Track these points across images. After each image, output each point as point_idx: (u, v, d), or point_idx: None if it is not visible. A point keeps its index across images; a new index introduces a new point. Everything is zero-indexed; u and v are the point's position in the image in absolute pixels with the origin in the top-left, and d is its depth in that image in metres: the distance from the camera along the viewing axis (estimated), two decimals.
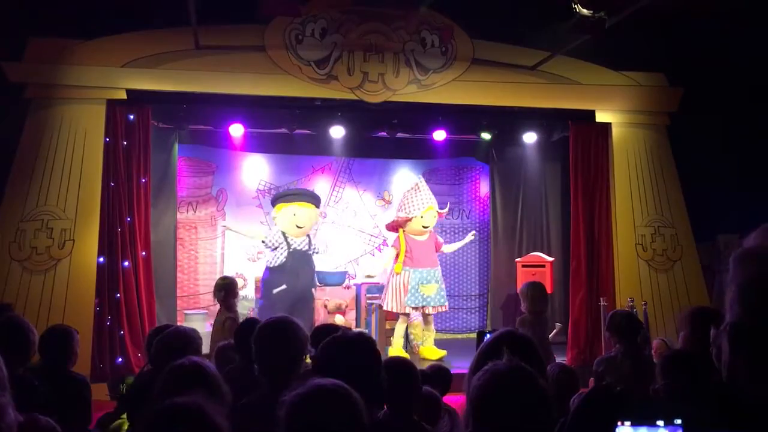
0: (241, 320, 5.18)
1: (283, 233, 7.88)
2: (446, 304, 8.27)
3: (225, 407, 2.24)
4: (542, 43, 7.79)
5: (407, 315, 8.09)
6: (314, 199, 8.20)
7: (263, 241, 7.93)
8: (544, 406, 1.64)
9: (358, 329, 7.58)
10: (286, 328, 2.81)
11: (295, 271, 7.74)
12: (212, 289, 6.39)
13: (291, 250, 7.80)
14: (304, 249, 7.90)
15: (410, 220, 8.08)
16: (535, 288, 5.43)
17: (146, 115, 7.66)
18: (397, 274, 8.10)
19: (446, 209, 8.48)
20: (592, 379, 4.21)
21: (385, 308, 8.14)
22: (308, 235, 8.05)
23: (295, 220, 7.90)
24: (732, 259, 1.72)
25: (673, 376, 2.80)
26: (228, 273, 8.65)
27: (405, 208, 8.16)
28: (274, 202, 8.18)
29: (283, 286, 7.64)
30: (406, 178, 10.14)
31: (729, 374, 1.59)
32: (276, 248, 7.82)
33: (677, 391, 2.67)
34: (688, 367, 2.80)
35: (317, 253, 8.17)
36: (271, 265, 7.79)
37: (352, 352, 2.34)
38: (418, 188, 8.26)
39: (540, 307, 5.37)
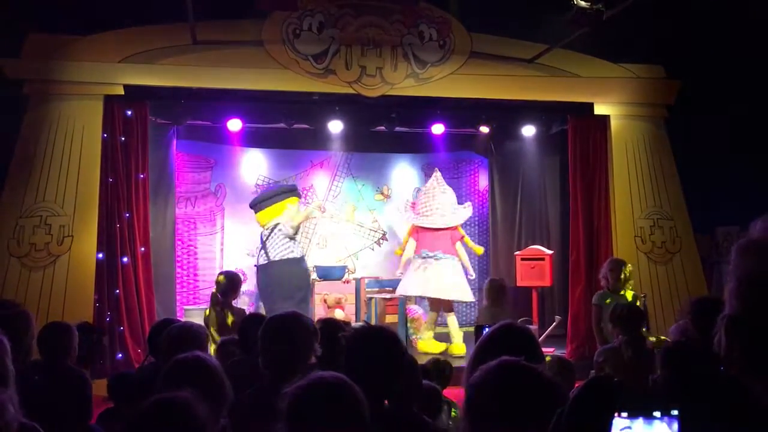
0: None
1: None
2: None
3: (225, 402, 2.25)
4: (540, 35, 7.78)
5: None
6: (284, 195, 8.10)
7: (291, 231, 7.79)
8: (543, 399, 1.65)
9: (358, 323, 7.59)
10: (295, 323, 2.82)
11: None
12: (212, 284, 6.45)
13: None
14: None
15: None
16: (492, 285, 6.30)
17: (144, 111, 7.65)
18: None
19: None
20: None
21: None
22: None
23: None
24: (734, 249, 1.72)
25: (671, 367, 2.81)
26: (227, 268, 8.65)
27: None
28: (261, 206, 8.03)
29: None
30: (404, 173, 10.16)
31: (725, 365, 1.60)
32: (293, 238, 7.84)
33: (675, 381, 2.68)
34: (686, 357, 2.81)
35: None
36: (300, 255, 7.79)
37: (380, 346, 2.34)
38: None
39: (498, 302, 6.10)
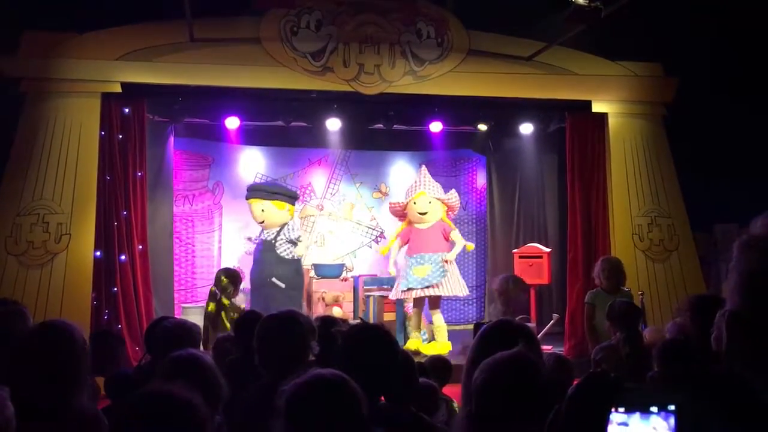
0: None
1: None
2: (438, 282, 7.57)
3: (220, 399, 2.25)
4: (538, 33, 7.77)
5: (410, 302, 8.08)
6: (287, 197, 8.28)
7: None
8: (544, 393, 1.65)
9: (354, 320, 7.59)
10: (292, 321, 2.81)
11: (260, 261, 8.03)
12: (210, 282, 6.49)
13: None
14: (270, 239, 8.07)
15: (406, 205, 8.08)
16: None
17: (141, 109, 7.65)
18: (381, 254, 8.51)
19: (450, 197, 8.04)
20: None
21: (390, 297, 8.18)
22: (281, 226, 8.11)
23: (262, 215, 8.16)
24: (736, 245, 1.71)
25: (668, 363, 2.81)
26: (225, 266, 8.63)
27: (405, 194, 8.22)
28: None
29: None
30: (402, 170, 10.14)
31: (726, 361, 1.60)
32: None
33: (672, 377, 2.68)
34: (682, 354, 2.81)
35: (293, 243, 8.06)
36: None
37: (374, 343, 2.34)
38: (418, 174, 8.30)
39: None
